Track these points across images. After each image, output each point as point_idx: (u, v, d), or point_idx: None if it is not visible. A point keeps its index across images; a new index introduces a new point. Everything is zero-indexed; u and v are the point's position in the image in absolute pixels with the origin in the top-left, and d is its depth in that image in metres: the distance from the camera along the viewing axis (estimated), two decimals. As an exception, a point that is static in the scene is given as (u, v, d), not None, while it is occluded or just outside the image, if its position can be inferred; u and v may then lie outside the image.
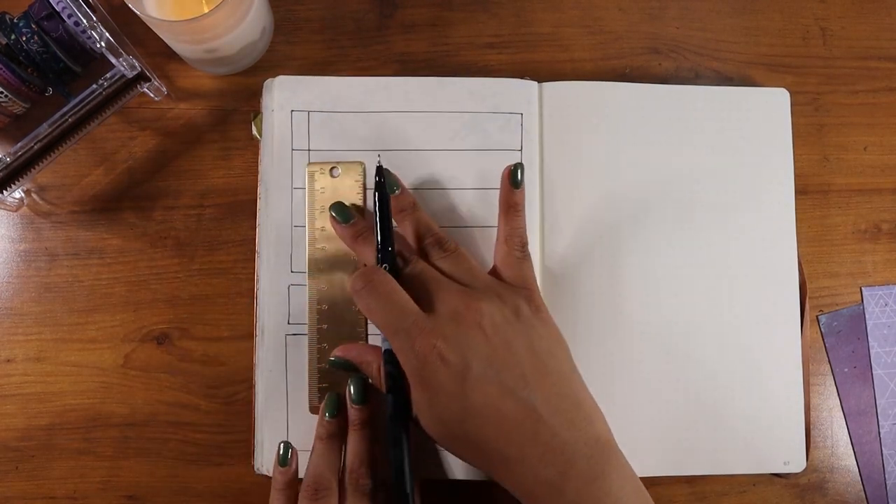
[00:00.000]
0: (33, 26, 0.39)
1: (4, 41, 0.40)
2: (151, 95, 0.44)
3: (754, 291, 0.44)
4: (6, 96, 0.40)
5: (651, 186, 0.44)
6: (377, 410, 0.37)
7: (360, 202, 0.42)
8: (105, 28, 0.40)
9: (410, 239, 0.39)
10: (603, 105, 0.44)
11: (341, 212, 0.40)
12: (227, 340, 0.43)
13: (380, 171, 0.39)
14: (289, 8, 0.46)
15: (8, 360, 0.43)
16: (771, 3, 0.48)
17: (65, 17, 0.40)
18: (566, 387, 0.35)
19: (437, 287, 0.36)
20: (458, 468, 0.40)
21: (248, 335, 0.43)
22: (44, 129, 0.39)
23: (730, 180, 0.44)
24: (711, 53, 0.47)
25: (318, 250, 0.41)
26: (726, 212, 0.44)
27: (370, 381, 0.38)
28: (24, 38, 0.40)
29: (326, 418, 0.38)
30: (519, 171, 0.40)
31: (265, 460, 0.41)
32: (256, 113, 0.44)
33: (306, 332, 0.41)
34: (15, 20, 0.40)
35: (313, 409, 0.41)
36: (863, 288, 0.47)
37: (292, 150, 0.42)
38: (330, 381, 0.41)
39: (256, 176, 0.43)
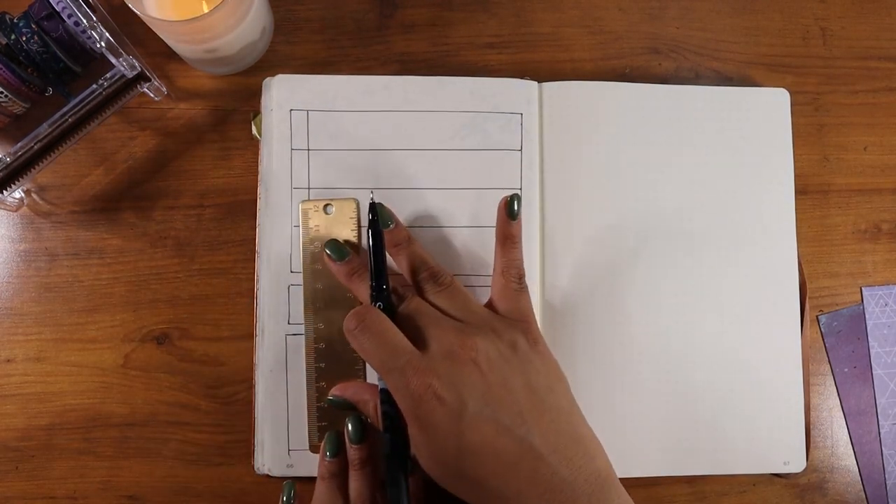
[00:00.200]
0: (33, 26, 0.39)
1: (4, 41, 0.40)
2: (151, 95, 0.44)
3: (754, 291, 0.44)
4: (6, 96, 0.40)
5: (651, 186, 0.44)
6: (379, 449, 0.37)
7: (354, 238, 0.42)
8: (105, 28, 0.40)
9: (405, 273, 0.39)
10: (603, 105, 0.44)
11: (336, 249, 0.40)
12: (227, 340, 0.43)
13: (373, 208, 0.38)
14: (289, 8, 0.46)
15: (8, 360, 0.43)
16: (771, 3, 0.48)
17: (65, 17, 0.40)
18: (565, 423, 0.35)
19: (431, 324, 0.36)
20: None
21: (248, 335, 0.43)
22: (44, 129, 0.39)
23: (730, 180, 0.44)
24: (711, 53, 0.47)
25: (314, 289, 0.41)
26: (726, 212, 0.44)
27: (368, 420, 0.38)
28: (24, 38, 0.40)
29: (327, 457, 0.38)
30: (515, 203, 0.39)
31: (265, 460, 0.41)
32: (256, 113, 0.44)
33: (306, 332, 0.41)
34: (15, 20, 0.40)
35: (313, 448, 0.41)
36: (863, 288, 0.47)
37: (292, 149, 0.42)
38: (329, 419, 0.41)
39: (256, 176, 0.43)
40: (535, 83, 0.44)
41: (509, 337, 0.36)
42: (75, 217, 0.44)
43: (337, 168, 0.42)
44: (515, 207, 0.40)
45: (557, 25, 0.47)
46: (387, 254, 0.39)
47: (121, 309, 0.43)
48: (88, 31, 0.39)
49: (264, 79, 0.43)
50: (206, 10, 0.39)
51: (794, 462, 0.43)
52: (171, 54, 0.44)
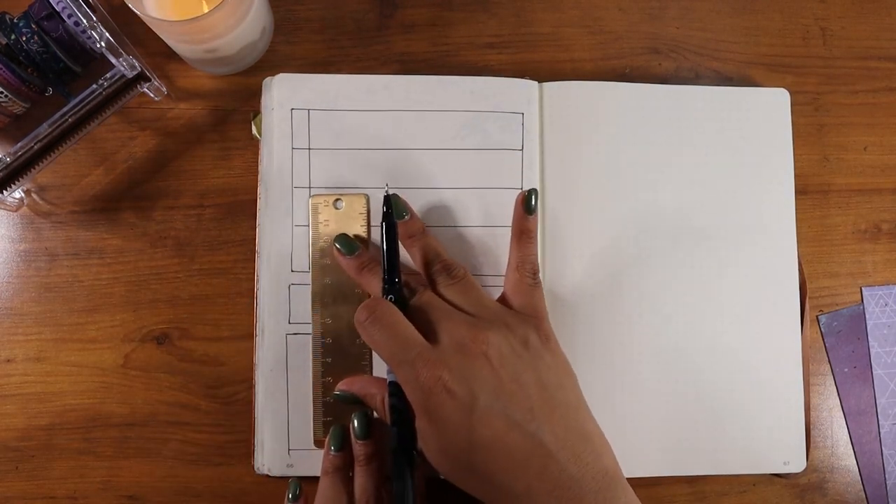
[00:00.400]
0: (33, 26, 0.39)
1: (4, 41, 0.40)
2: (151, 95, 0.43)
3: (754, 291, 0.44)
4: (6, 96, 0.40)
5: (651, 186, 0.44)
6: (384, 445, 0.37)
7: (364, 233, 0.42)
8: (105, 28, 0.40)
9: (418, 265, 0.39)
10: (603, 105, 0.44)
11: (346, 243, 0.40)
12: (227, 340, 0.43)
13: (387, 200, 0.39)
14: (289, 8, 0.46)
15: (8, 360, 0.43)
16: (771, 3, 0.48)
17: (65, 17, 0.39)
18: (574, 420, 0.35)
19: (442, 317, 0.36)
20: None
21: (248, 335, 0.43)
22: (44, 129, 0.39)
23: (730, 180, 0.44)
24: (711, 53, 0.47)
25: (323, 284, 0.41)
26: (726, 212, 0.44)
27: (375, 414, 0.37)
28: (24, 38, 0.40)
29: (332, 452, 0.37)
30: (533, 198, 0.40)
31: (265, 460, 0.41)
32: (256, 113, 0.44)
33: (306, 331, 0.41)
34: (15, 20, 0.40)
35: (318, 443, 0.41)
36: (863, 288, 0.47)
37: (292, 148, 0.42)
38: (334, 414, 0.41)
39: (256, 176, 0.43)
40: (536, 83, 0.44)
41: (521, 332, 0.36)
42: (75, 217, 0.44)
43: (338, 167, 0.42)
44: (533, 202, 0.40)
45: (557, 25, 0.47)
46: (400, 248, 0.39)
47: (121, 309, 0.43)
48: (88, 31, 0.39)
49: (264, 79, 0.43)
50: (206, 10, 0.39)
51: (794, 462, 0.43)
52: (171, 54, 0.44)
